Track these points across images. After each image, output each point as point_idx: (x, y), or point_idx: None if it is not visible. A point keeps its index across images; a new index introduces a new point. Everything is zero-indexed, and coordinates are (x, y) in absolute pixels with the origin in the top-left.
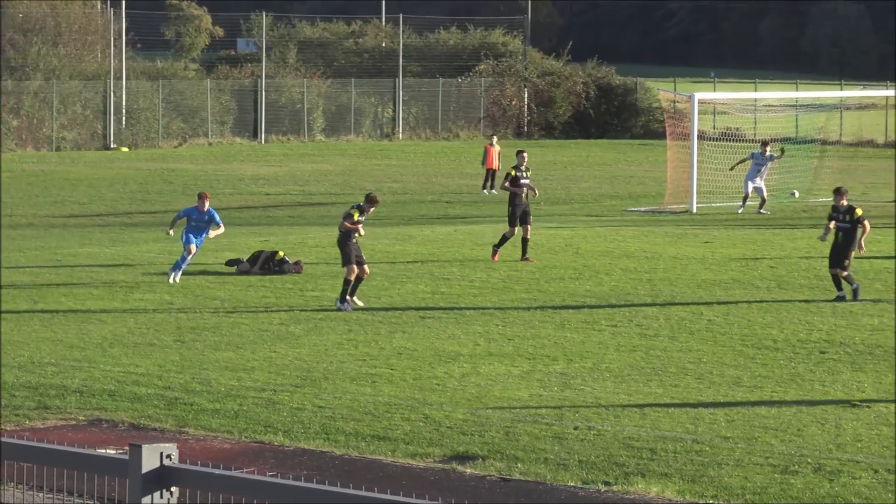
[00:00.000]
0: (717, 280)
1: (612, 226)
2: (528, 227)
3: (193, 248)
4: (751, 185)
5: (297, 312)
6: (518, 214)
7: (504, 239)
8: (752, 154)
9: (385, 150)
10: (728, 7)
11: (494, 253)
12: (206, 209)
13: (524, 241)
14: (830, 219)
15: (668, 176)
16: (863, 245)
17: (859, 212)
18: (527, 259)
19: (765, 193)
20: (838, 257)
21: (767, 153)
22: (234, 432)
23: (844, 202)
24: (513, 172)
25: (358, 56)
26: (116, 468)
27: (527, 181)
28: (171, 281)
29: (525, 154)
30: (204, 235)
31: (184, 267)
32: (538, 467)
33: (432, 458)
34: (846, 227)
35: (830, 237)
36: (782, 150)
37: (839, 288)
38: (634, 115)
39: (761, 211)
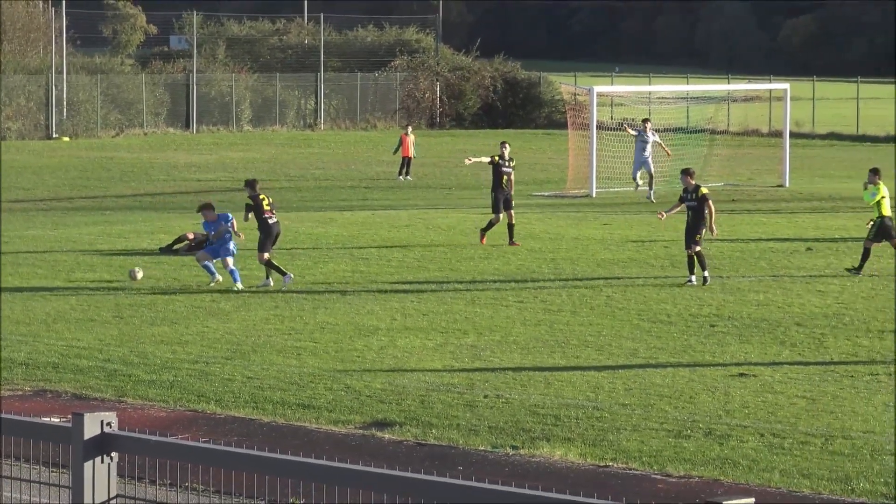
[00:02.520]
0: (615, 259)
1: (519, 209)
2: (512, 212)
3: (230, 261)
4: (637, 166)
5: (227, 290)
6: (500, 201)
7: (490, 224)
8: (638, 131)
9: (308, 139)
10: (626, 6)
11: (482, 236)
12: (216, 218)
13: (510, 226)
14: (681, 200)
15: (569, 163)
16: (714, 228)
17: (704, 190)
18: (514, 244)
19: (651, 168)
20: (690, 236)
21: (648, 130)
22: (170, 401)
23: (692, 181)
24: (496, 159)
25: (282, 52)
26: (60, 435)
27: (509, 170)
28: (238, 287)
29: (507, 145)
30: (230, 240)
31: (236, 272)
32: (451, 433)
33: (353, 424)
34: (694, 206)
35: (683, 217)
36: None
37: (691, 271)
38: (538, 106)
39: (651, 198)
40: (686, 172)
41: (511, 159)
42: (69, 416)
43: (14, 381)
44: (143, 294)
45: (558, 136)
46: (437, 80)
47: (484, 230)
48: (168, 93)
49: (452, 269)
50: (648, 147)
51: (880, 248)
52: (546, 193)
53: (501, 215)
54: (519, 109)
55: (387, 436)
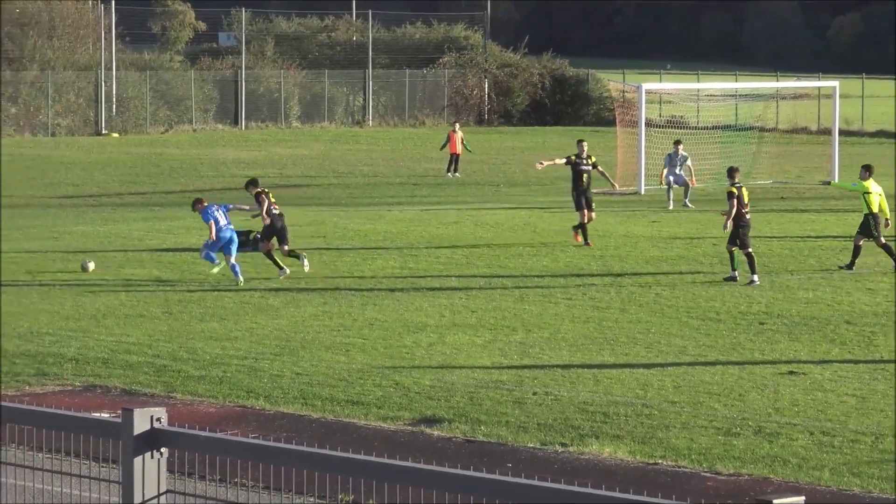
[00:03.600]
0: (663, 257)
1: (567, 206)
2: (592, 213)
3: (232, 257)
4: (671, 179)
5: (276, 287)
6: (581, 199)
7: (581, 227)
8: (668, 156)
9: (356, 136)
10: (671, 4)
11: (576, 234)
12: (202, 209)
13: (583, 225)
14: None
15: (618, 160)
16: (727, 226)
17: (731, 189)
18: (587, 244)
19: (686, 179)
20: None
21: (680, 153)
22: (219, 397)
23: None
24: (573, 158)
25: (331, 49)
26: (110, 430)
27: (587, 168)
28: (240, 281)
29: (585, 143)
30: (232, 234)
31: (237, 267)
32: (500, 430)
33: (402, 421)
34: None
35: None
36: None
37: (753, 270)
38: (586, 104)
39: (687, 203)
40: (730, 172)
41: (589, 157)
42: (119, 412)
43: (64, 376)
44: (193, 290)
45: (606, 133)
46: (486, 77)
47: (575, 227)
48: (217, 89)
49: (501, 266)
50: (677, 169)
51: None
52: (595, 191)
53: (585, 213)
54: (567, 106)
55: (436, 432)
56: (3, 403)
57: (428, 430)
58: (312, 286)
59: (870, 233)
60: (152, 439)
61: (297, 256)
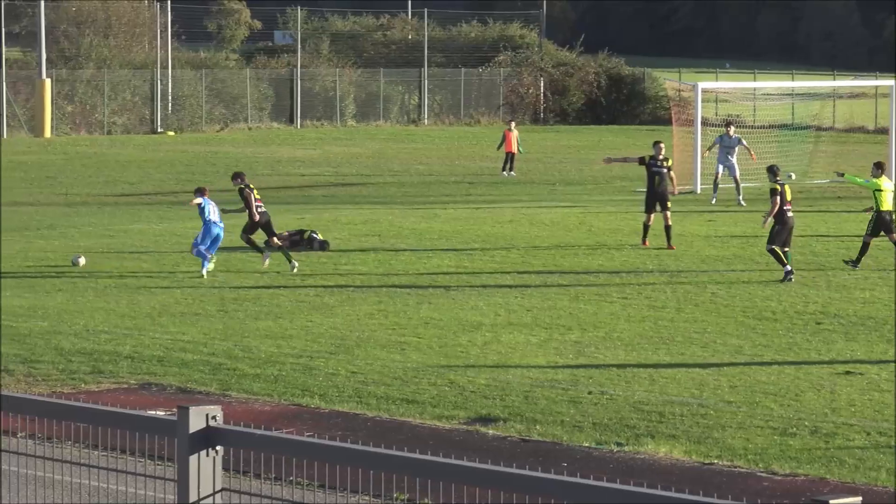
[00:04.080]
0: (719, 256)
1: (623, 205)
2: (668, 213)
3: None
4: (721, 167)
5: (332, 285)
6: (651, 201)
7: (644, 227)
8: (720, 137)
9: (411, 134)
10: (727, 4)
11: (644, 240)
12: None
13: (666, 228)
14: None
15: (673, 159)
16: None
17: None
18: (670, 247)
19: (737, 174)
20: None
21: (733, 135)
22: (274, 395)
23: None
24: (647, 159)
25: (386, 47)
26: (165, 428)
27: (661, 170)
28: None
29: (662, 145)
30: (218, 229)
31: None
32: (555, 429)
33: (457, 420)
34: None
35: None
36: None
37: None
38: (642, 102)
39: (741, 202)
40: (772, 170)
41: (666, 159)
42: (174, 410)
43: (120, 374)
44: (248, 288)
45: (662, 132)
46: (541, 75)
47: (644, 235)
48: (272, 88)
49: (556, 265)
50: (733, 152)
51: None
52: (642, 189)
53: (654, 216)
54: (623, 105)
55: (491, 431)
56: (61, 401)
57: (483, 429)
58: (368, 285)
59: (889, 229)
60: (208, 437)
61: (261, 250)
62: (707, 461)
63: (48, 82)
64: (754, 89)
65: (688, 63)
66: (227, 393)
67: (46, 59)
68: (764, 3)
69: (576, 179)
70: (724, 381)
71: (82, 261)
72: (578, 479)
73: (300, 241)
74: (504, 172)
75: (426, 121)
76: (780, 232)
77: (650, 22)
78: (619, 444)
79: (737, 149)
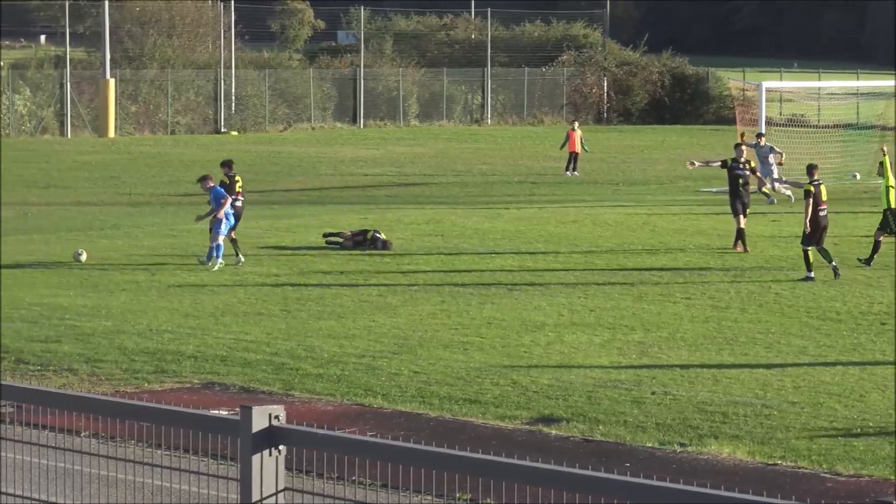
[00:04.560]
0: (784, 256)
1: (686, 205)
2: (742, 217)
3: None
4: (766, 178)
5: (394, 285)
6: (736, 204)
7: (738, 232)
8: (754, 144)
9: (475, 134)
10: (791, 4)
11: (735, 244)
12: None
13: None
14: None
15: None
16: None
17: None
18: (745, 250)
19: (776, 175)
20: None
21: (763, 144)
22: (337, 395)
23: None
24: (729, 162)
25: (449, 47)
26: (228, 428)
27: (743, 172)
28: (215, 267)
29: (743, 147)
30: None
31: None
32: (618, 429)
33: (520, 420)
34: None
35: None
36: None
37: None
38: (706, 102)
39: (770, 199)
40: (809, 170)
41: (748, 161)
42: (237, 409)
43: (183, 373)
44: (311, 288)
45: (726, 131)
46: (605, 75)
47: (736, 239)
48: (335, 88)
49: (619, 265)
50: (769, 161)
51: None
52: (714, 189)
53: (743, 219)
54: (687, 105)
55: (553, 431)
56: (123, 401)
57: (546, 430)
58: (431, 284)
59: (889, 228)
60: (270, 437)
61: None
62: (771, 462)
63: (112, 82)
64: (818, 89)
65: (751, 62)
66: (290, 393)
67: (110, 60)
68: (828, 3)
69: (639, 179)
70: (788, 381)
71: (84, 256)
72: (641, 480)
73: (363, 240)
74: (567, 172)
75: (489, 120)
76: (813, 232)
77: (713, 21)
78: (682, 445)
79: (770, 157)
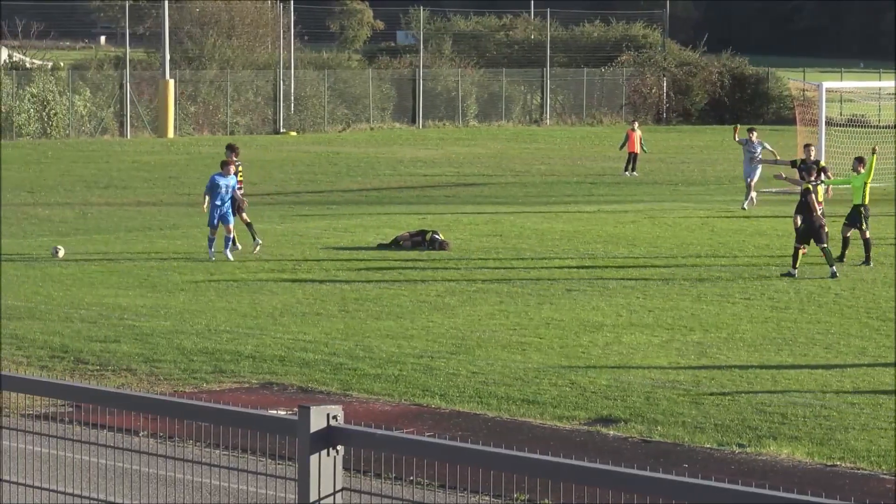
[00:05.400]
0: (847, 256)
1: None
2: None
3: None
4: (750, 175)
5: (453, 285)
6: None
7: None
8: (743, 140)
9: (533, 134)
10: (851, 5)
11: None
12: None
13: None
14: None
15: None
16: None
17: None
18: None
19: (754, 180)
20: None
21: (755, 140)
22: (395, 395)
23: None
24: (798, 163)
25: (508, 47)
26: (286, 428)
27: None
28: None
29: (812, 147)
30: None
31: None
32: (676, 430)
33: (578, 420)
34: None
35: None
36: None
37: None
38: (766, 102)
39: (744, 206)
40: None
41: (817, 162)
42: (295, 409)
43: (241, 373)
44: (369, 288)
45: (786, 132)
46: (664, 75)
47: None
48: (394, 88)
49: (678, 266)
50: (757, 160)
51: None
52: (773, 189)
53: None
54: (746, 105)
55: (611, 432)
56: (182, 401)
57: (604, 430)
58: (489, 284)
59: (859, 223)
60: (328, 437)
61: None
62: (830, 463)
63: (171, 83)
64: (879, 89)
65: (812, 62)
66: (348, 393)
67: (170, 60)
68: (889, 2)
69: (698, 180)
70: (848, 382)
71: (62, 252)
72: (699, 481)
73: (422, 241)
74: (626, 172)
75: (548, 121)
76: (806, 231)
77: (773, 21)
78: (740, 446)
79: (759, 153)
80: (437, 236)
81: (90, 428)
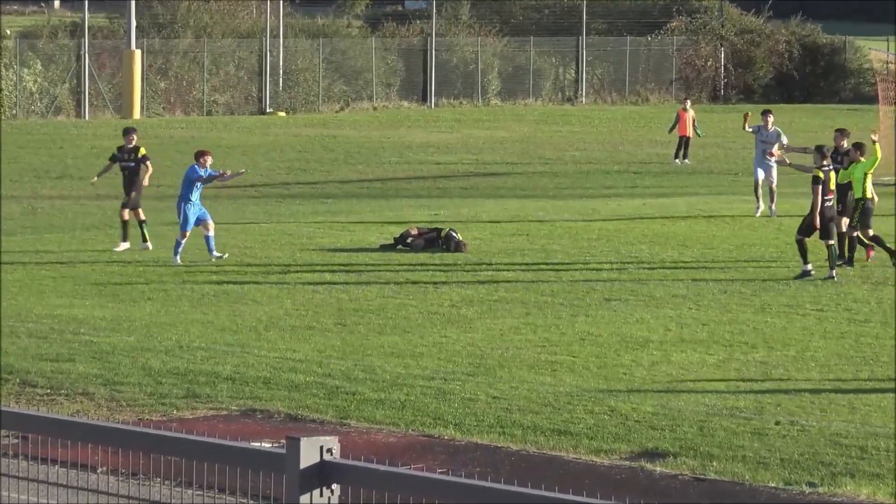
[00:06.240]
0: None
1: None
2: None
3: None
4: (760, 175)
5: (470, 293)
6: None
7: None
8: (755, 128)
9: (567, 115)
10: None
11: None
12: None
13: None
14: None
15: (880, 144)
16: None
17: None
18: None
19: (774, 184)
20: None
21: (770, 126)
22: (401, 425)
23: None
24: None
25: (537, 12)
26: (272, 463)
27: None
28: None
29: (846, 134)
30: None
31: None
32: (736, 466)
33: (618, 454)
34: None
35: None
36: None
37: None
38: (843, 77)
39: (772, 213)
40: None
41: (848, 152)
42: (283, 441)
43: (219, 398)
44: (371, 297)
45: (867, 111)
46: (722, 45)
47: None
48: (402, 60)
49: (738, 271)
50: (775, 148)
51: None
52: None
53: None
54: (819, 80)
55: (658, 468)
56: (148, 430)
57: (649, 466)
58: (513, 292)
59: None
60: (322, 474)
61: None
62: None
63: (138, 54)
64: None
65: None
66: (345, 421)
67: (136, 27)
68: None
69: None
70: None
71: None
72: None
73: (436, 239)
74: (677, 160)
75: (584, 99)
76: (811, 224)
77: None
78: (811, 485)
79: (776, 146)
80: (453, 234)
81: (39, 463)
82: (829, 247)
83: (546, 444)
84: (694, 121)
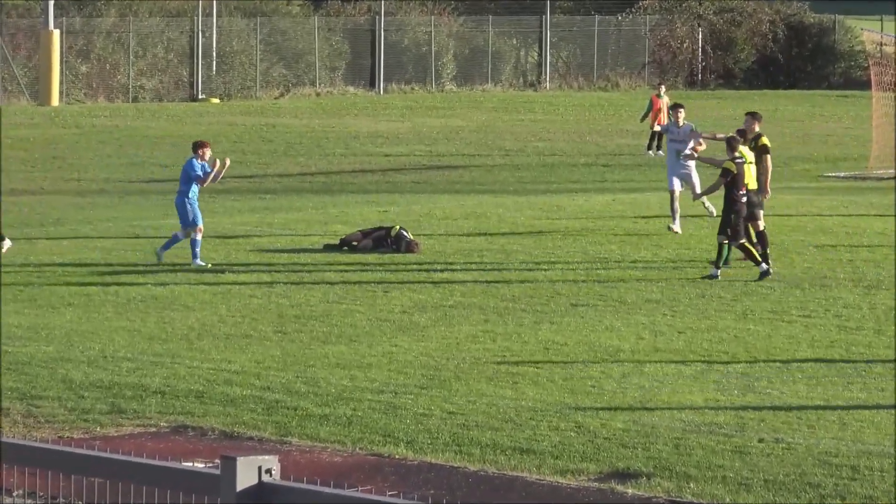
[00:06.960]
0: None
1: (805, 195)
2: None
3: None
4: (676, 184)
5: (423, 298)
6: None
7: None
8: (665, 126)
9: (529, 102)
10: None
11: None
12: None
13: None
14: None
15: (873, 134)
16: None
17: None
18: None
19: (696, 184)
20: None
21: (682, 122)
22: (347, 442)
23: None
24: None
25: None
26: (206, 485)
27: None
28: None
29: (759, 118)
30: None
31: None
32: (715, 487)
33: (586, 475)
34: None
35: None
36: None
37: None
38: (832, 60)
39: (706, 207)
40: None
41: (758, 136)
42: (217, 461)
43: (146, 414)
44: (314, 302)
45: (859, 98)
46: (699, 25)
47: None
48: (348, 41)
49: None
50: (687, 149)
51: None
52: (841, 174)
53: None
54: (806, 63)
55: (630, 490)
56: (68, 449)
57: (620, 488)
58: (470, 297)
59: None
60: (260, 496)
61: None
62: None
63: (56, 34)
64: None
65: (893, 8)
66: (286, 439)
67: (55, 5)
68: None
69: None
70: None
71: (6, 245)
72: None
73: (385, 238)
74: (650, 151)
75: (548, 84)
76: (742, 222)
77: None
78: None
79: (690, 144)
80: (404, 233)
81: None
82: (721, 245)
83: (507, 463)
84: (669, 108)
